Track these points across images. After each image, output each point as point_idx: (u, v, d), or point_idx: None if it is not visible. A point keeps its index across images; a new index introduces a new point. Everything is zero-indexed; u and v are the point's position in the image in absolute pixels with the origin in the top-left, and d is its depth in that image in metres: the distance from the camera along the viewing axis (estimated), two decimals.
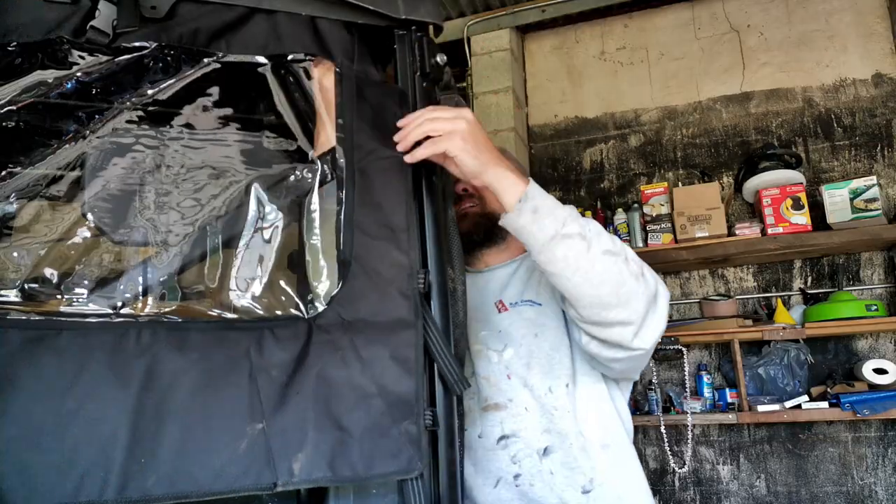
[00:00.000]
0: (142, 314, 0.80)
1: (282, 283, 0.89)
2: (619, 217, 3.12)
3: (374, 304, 0.87)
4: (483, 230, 1.42)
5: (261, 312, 0.86)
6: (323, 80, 0.96)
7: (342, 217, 0.89)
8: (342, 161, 0.92)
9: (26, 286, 0.78)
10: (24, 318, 0.74)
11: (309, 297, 0.88)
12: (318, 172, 0.93)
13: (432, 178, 1.00)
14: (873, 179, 2.70)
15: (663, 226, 2.97)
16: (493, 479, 1.22)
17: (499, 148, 1.33)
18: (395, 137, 0.96)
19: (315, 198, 0.93)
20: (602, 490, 1.18)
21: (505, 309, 1.35)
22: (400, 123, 0.97)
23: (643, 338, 1.08)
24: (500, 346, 1.30)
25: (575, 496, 1.18)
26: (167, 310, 0.82)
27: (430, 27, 1.06)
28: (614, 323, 1.06)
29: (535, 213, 1.02)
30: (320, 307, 0.86)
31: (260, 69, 0.94)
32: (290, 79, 0.96)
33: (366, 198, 0.91)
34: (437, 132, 0.95)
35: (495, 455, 1.22)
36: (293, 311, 0.87)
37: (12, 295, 0.77)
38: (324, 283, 0.89)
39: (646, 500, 1.25)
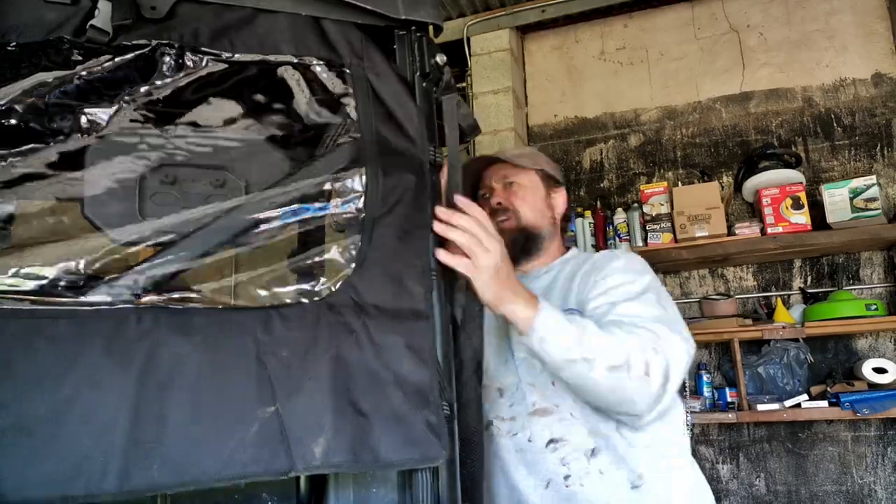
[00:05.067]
0: (142, 303, 0.78)
1: (288, 278, 0.89)
2: (619, 217, 3.12)
3: (388, 291, 0.86)
4: (519, 246, 1.45)
5: (266, 302, 0.84)
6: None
7: (363, 212, 0.89)
8: (364, 156, 0.91)
9: (24, 280, 0.77)
10: (19, 307, 0.73)
11: (321, 281, 0.87)
12: (335, 170, 0.93)
13: (433, 178, 1.00)
14: (873, 179, 2.70)
15: (663, 225, 2.97)
16: (543, 481, 1.27)
17: (533, 153, 1.59)
18: (437, 217, 0.98)
19: (331, 195, 0.92)
20: (651, 484, 1.23)
21: None
22: (441, 214, 0.99)
23: (650, 416, 1.18)
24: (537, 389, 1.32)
25: (625, 493, 1.23)
26: (168, 297, 0.80)
27: (430, 27, 1.06)
28: (621, 413, 1.20)
29: (542, 342, 1.10)
30: (332, 289, 0.84)
31: (264, 69, 0.95)
32: (296, 79, 0.97)
33: (386, 195, 0.91)
34: (470, 254, 1.01)
35: (545, 458, 1.27)
36: (302, 299, 0.85)
37: (8, 285, 0.75)
38: (338, 266, 0.88)
39: (697, 490, 1.31)
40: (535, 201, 1.49)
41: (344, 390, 0.77)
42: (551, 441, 1.27)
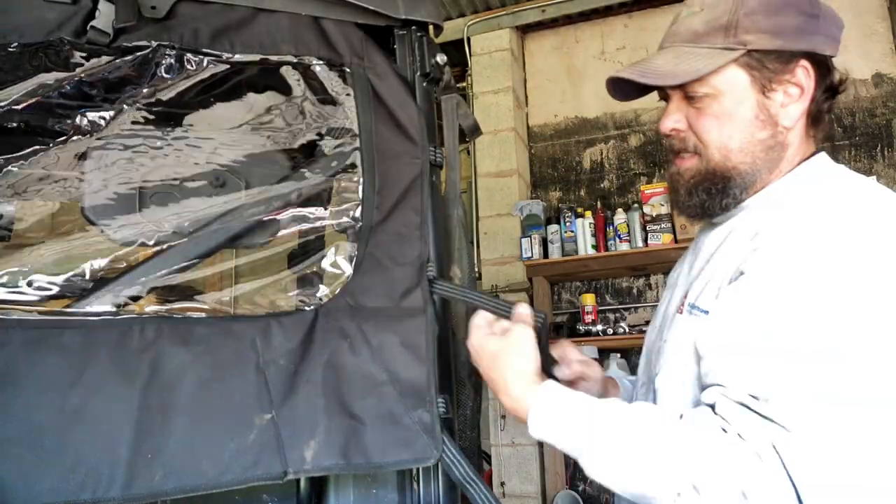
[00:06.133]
0: (145, 312, 0.80)
1: (287, 286, 0.89)
2: (620, 217, 3.12)
3: (384, 292, 0.86)
4: (706, 194, 0.92)
5: (265, 310, 0.85)
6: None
7: (361, 214, 0.89)
8: (363, 160, 0.92)
9: (28, 286, 0.78)
10: (26, 317, 0.74)
11: (317, 288, 0.88)
12: (334, 171, 0.93)
13: (433, 178, 1.00)
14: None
15: (663, 226, 2.97)
16: None
17: (716, 15, 0.87)
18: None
19: (330, 197, 0.93)
20: None
21: (681, 311, 0.92)
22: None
23: None
24: (654, 369, 0.96)
25: None
26: (170, 307, 0.82)
27: (431, 27, 1.06)
28: None
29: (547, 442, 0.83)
30: (329, 295, 0.85)
31: (264, 69, 0.95)
32: (296, 79, 0.97)
33: (384, 200, 0.91)
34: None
35: None
36: (301, 305, 0.87)
37: (14, 295, 0.77)
38: (336, 273, 0.88)
39: None
40: (735, 124, 0.90)
41: (336, 394, 0.78)
42: None
